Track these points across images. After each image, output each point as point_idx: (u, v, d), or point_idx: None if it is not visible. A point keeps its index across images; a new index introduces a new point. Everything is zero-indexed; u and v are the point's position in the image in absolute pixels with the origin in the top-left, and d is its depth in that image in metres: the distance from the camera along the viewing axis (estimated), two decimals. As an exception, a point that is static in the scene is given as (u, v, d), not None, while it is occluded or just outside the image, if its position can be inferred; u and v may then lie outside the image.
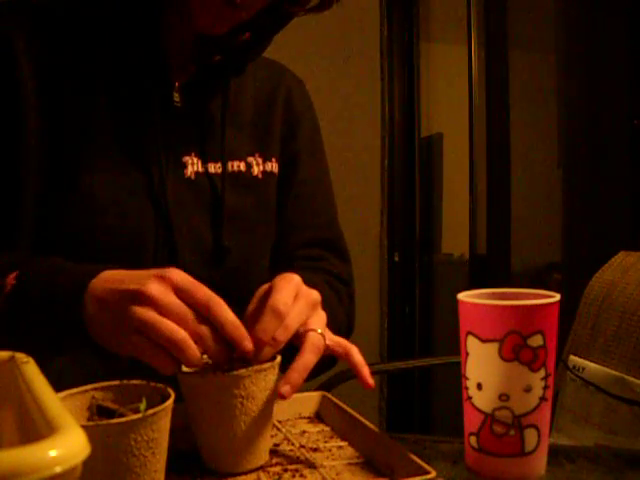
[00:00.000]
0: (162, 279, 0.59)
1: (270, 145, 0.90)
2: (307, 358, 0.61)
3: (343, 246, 0.99)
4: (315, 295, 0.66)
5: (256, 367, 0.58)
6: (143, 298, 0.57)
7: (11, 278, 0.67)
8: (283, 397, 0.59)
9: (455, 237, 2.35)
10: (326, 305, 0.69)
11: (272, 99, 0.92)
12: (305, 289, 0.65)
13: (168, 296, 0.58)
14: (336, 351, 0.66)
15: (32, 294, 0.66)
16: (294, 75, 0.98)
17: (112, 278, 0.62)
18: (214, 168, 0.84)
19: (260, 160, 0.88)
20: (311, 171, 0.95)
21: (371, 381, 0.64)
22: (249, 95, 0.90)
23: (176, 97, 0.82)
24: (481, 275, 2.10)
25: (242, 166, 0.86)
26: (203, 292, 0.59)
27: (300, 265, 0.91)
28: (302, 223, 0.93)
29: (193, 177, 0.82)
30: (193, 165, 0.82)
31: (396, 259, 2.35)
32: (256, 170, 0.87)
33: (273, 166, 0.89)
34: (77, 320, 0.62)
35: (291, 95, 0.94)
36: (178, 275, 0.59)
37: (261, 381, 0.58)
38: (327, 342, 0.65)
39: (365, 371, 0.64)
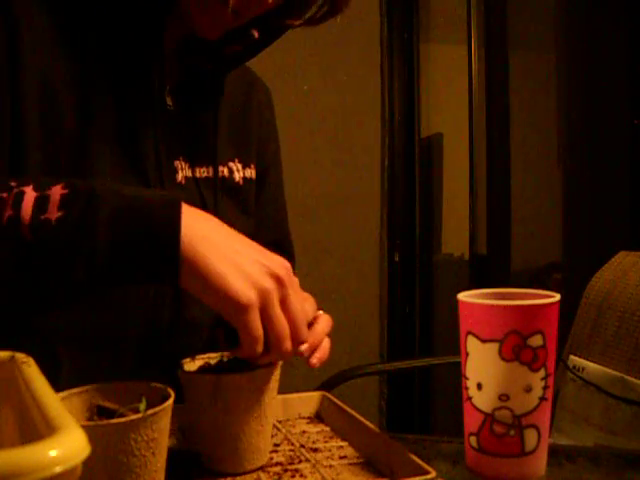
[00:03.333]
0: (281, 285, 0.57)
1: (248, 151, 0.91)
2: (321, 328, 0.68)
3: (291, 245, 1.05)
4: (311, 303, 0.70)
5: (259, 368, 0.59)
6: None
7: (58, 188, 0.56)
8: (314, 365, 0.65)
9: (455, 237, 2.35)
10: None
11: (247, 103, 0.94)
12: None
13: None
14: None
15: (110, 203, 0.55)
16: (262, 81, 1.00)
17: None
18: (199, 172, 0.84)
19: (240, 166, 0.89)
20: (274, 178, 0.99)
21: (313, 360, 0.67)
22: (225, 99, 0.89)
23: (168, 100, 0.81)
24: (481, 275, 2.10)
25: (225, 171, 0.87)
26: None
27: None
28: (263, 225, 0.97)
29: (184, 182, 0.82)
30: (183, 170, 0.82)
31: (396, 259, 2.35)
32: (237, 176, 0.88)
33: (252, 172, 0.91)
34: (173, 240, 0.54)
35: (262, 105, 0.97)
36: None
37: (263, 381, 0.59)
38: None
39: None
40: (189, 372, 0.60)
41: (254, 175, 0.91)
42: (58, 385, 0.41)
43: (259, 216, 0.95)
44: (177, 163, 0.82)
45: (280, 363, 0.61)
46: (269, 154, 0.98)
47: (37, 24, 0.76)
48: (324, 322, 0.70)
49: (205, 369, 0.63)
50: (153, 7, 0.76)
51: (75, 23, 0.78)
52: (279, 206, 1.02)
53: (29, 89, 0.74)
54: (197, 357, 0.64)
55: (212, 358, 0.65)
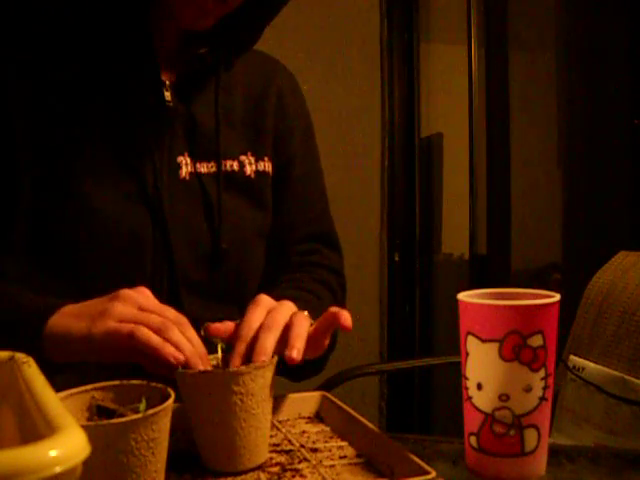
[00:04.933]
0: (125, 300, 0.61)
1: (263, 143, 0.89)
2: (299, 322, 0.63)
3: (335, 237, 1.00)
4: (286, 307, 0.66)
5: (255, 364, 0.59)
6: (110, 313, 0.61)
7: None
8: (293, 361, 0.60)
9: (455, 237, 2.35)
10: (324, 305, 0.69)
11: (264, 95, 0.91)
12: (275, 306, 0.66)
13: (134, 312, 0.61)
14: (325, 321, 0.66)
15: None
16: (286, 69, 0.97)
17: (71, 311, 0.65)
18: (206, 168, 0.82)
19: (252, 159, 0.87)
20: (305, 168, 0.95)
21: (348, 322, 0.65)
22: (239, 91, 0.88)
23: (167, 96, 0.81)
24: (481, 275, 2.09)
25: (235, 165, 0.85)
26: (171, 311, 0.62)
27: (297, 261, 0.93)
28: (298, 219, 0.94)
29: (188, 178, 0.81)
30: (187, 165, 0.81)
31: (396, 259, 2.35)
32: (249, 170, 0.86)
33: (266, 165, 0.88)
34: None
35: (283, 92, 0.93)
36: (145, 299, 0.62)
37: (260, 378, 0.59)
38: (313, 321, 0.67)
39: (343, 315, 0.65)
40: (185, 372, 0.60)
41: (269, 168, 0.89)
42: (55, 384, 0.41)
43: (289, 211, 0.92)
44: (181, 159, 0.81)
45: (276, 359, 0.61)
46: (293, 145, 0.93)
47: (22, 30, 0.76)
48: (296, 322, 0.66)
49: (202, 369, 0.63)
50: (136, 5, 0.76)
51: (62, 27, 0.78)
52: (313, 199, 0.97)
53: (17, 92, 0.74)
54: None
55: (209, 359, 0.64)
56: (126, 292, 0.62)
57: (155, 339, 0.58)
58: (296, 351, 0.60)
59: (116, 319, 0.60)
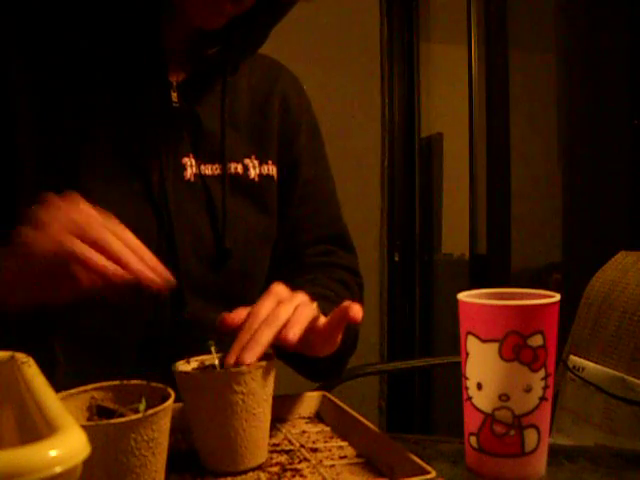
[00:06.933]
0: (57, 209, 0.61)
1: (267, 146, 0.88)
2: (300, 311, 0.63)
3: (348, 239, 1.00)
4: (297, 299, 0.66)
5: (256, 364, 0.59)
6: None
7: None
8: (287, 341, 0.60)
9: (455, 237, 2.35)
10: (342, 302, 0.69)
11: (268, 99, 0.91)
12: (287, 297, 0.66)
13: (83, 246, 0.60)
14: (337, 316, 0.65)
15: None
16: (290, 73, 0.97)
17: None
18: (210, 170, 0.82)
19: (257, 162, 0.87)
20: (313, 170, 0.95)
21: (358, 315, 0.63)
22: (244, 94, 0.89)
23: (174, 97, 0.81)
24: (481, 275, 2.09)
25: (239, 168, 0.85)
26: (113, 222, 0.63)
27: (312, 262, 0.92)
28: (309, 222, 0.93)
29: (192, 179, 0.81)
30: (192, 167, 0.81)
31: (396, 259, 2.35)
32: (253, 173, 0.86)
33: (270, 169, 0.88)
34: None
35: (288, 95, 0.93)
36: (77, 212, 0.62)
37: (261, 377, 0.59)
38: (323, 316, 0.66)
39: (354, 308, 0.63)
40: (186, 372, 0.60)
41: (274, 172, 0.88)
42: (54, 383, 0.41)
43: (299, 213, 0.92)
44: (186, 160, 0.81)
45: (272, 362, 0.61)
46: (298, 148, 0.93)
47: (28, 28, 0.76)
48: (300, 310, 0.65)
49: (202, 367, 0.63)
50: (145, 5, 0.76)
51: (70, 26, 0.78)
52: (324, 201, 0.96)
53: (23, 90, 0.74)
54: (192, 359, 0.64)
55: (206, 360, 0.64)
56: (55, 201, 0.62)
57: (95, 256, 0.58)
58: (292, 332, 0.60)
59: (55, 230, 0.60)
